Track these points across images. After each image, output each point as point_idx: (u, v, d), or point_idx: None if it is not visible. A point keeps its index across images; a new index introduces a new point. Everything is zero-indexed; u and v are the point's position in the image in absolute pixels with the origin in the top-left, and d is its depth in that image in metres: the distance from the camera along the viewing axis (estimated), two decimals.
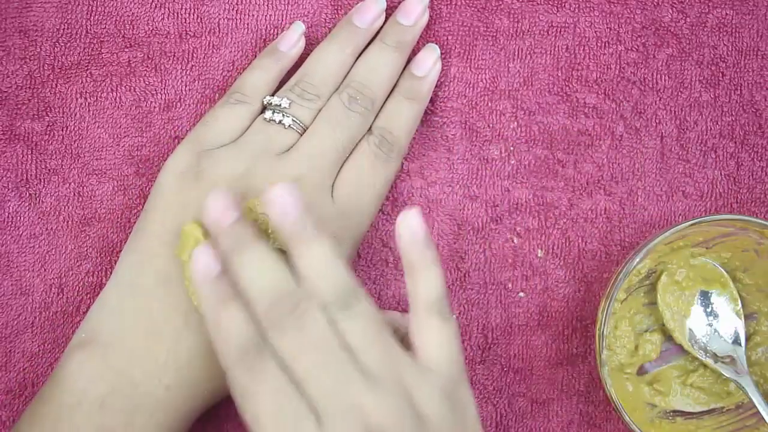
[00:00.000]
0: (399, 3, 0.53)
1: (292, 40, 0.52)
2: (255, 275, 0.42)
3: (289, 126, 0.50)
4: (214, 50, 0.54)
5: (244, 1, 0.54)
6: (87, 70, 0.53)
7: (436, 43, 0.54)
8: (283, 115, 0.50)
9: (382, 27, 0.53)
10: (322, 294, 0.42)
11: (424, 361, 0.43)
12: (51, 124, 0.53)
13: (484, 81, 0.54)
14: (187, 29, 0.54)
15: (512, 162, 0.54)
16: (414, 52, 0.53)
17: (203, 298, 0.43)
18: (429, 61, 0.53)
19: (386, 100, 0.52)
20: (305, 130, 0.50)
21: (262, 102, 0.51)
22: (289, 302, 0.41)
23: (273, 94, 0.51)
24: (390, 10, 0.53)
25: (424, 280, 0.43)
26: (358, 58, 0.52)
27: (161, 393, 0.46)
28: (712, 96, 0.55)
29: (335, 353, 0.41)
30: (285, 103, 0.50)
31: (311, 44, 0.53)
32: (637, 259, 0.49)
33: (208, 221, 0.44)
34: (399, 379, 0.41)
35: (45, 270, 0.52)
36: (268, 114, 0.50)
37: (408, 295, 0.44)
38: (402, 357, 0.42)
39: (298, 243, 0.43)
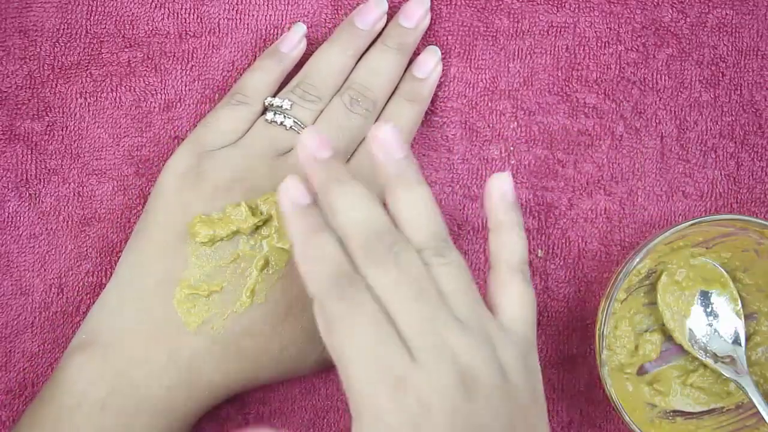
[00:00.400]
0: (400, 5, 0.53)
1: (294, 41, 0.52)
2: (353, 208, 0.41)
3: (290, 127, 0.50)
4: (214, 50, 0.54)
5: (244, 1, 0.54)
6: (87, 70, 0.53)
7: (437, 44, 0.54)
8: (285, 116, 0.50)
9: (383, 29, 0.53)
10: (420, 238, 0.41)
11: (503, 320, 0.42)
12: (51, 124, 0.53)
13: (484, 81, 0.54)
14: (187, 29, 0.54)
15: (512, 162, 0.54)
16: (415, 54, 0.53)
17: (292, 227, 0.42)
18: (430, 63, 0.52)
19: (387, 101, 0.52)
20: None
21: (264, 103, 0.51)
22: (386, 238, 0.41)
23: (274, 96, 0.51)
24: (392, 12, 0.53)
25: (510, 241, 0.43)
26: (359, 60, 0.52)
27: (162, 394, 0.46)
28: (712, 96, 0.55)
29: (430, 292, 0.40)
30: (286, 104, 0.50)
31: (311, 45, 0.53)
32: (637, 259, 0.49)
33: (301, 157, 0.42)
34: (486, 331, 0.41)
35: (45, 270, 0.52)
36: (269, 115, 0.50)
37: (491, 256, 0.44)
38: (487, 312, 0.42)
39: (399, 185, 0.42)
